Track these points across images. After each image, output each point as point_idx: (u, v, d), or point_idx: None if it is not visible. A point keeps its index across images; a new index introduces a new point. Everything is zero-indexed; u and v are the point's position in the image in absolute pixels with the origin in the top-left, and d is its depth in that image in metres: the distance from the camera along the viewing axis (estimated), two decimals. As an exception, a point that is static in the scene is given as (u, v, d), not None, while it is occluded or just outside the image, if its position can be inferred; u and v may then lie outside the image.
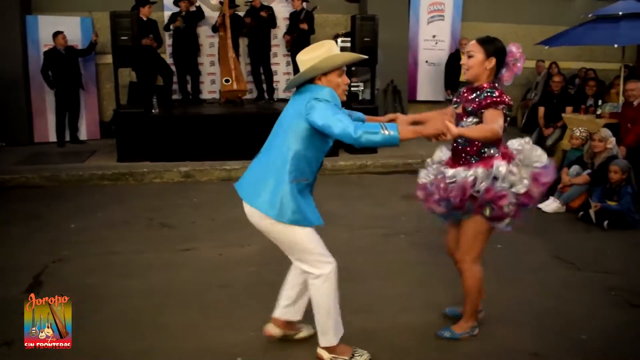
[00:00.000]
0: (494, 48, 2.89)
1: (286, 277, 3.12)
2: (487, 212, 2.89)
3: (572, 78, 10.43)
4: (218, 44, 9.09)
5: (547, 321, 3.42)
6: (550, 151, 7.72)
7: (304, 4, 9.16)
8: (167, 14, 9.09)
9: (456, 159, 3.01)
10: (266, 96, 9.48)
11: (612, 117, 7.00)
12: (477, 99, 2.89)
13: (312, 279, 2.84)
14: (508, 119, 2.88)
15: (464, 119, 2.95)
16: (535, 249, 4.67)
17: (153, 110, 7.62)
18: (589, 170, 5.83)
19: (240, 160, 7.47)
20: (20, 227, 5.18)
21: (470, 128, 2.81)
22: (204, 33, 9.52)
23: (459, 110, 3.03)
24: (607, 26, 7.22)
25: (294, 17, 9.21)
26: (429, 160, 3.23)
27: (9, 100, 8.44)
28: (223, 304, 3.65)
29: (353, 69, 8.75)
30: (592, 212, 5.31)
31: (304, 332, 3.18)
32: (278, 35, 9.71)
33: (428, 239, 4.77)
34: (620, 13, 7.17)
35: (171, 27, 8.77)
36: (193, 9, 8.95)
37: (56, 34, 8.25)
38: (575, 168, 5.96)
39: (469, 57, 2.92)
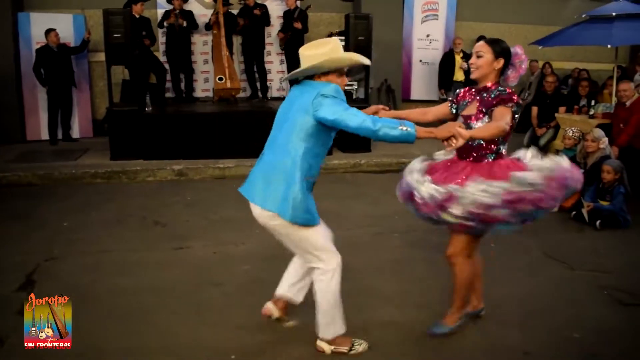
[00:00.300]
0: (501, 49, 2.97)
1: (292, 261, 3.16)
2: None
3: (566, 78, 10.47)
4: (212, 42, 9.06)
5: (539, 320, 3.44)
6: (543, 151, 7.77)
7: (298, 2, 9.16)
8: (160, 12, 9.05)
9: (466, 156, 3.02)
10: (260, 95, 9.46)
11: (605, 118, 7.04)
12: (489, 98, 2.95)
13: (318, 274, 2.87)
14: (517, 116, 2.95)
15: (482, 119, 2.96)
16: (528, 248, 4.68)
17: (146, 109, 7.60)
18: (581, 170, 5.84)
19: (233, 159, 7.47)
20: (12, 226, 5.14)
21: (478, 129, 2.84)
22: (198, 31, 9.48)
23: (466, 112, 3.05)
24: (601, 27, 7.25)
25: (288, 16, 9.20)
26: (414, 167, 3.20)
27: (0, 98, 8.37)
28: (217, 303, 3.64)
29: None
30: (584, 211, 5.34)
31: (292, 322, 3.21)
32: (272, 33, 9.69)
33: (421, 238, 4.77)
34: (614, 14, 7.20)
35: (165, 23, 8.73)
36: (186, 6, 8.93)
37: (48, 32, 8.19)
38: (568, 168, 5.97)
39: (478, 57, 2.99)
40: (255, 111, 8.23)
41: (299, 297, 3.15)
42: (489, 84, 3.02)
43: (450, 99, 3.28)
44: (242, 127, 7.67)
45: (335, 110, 2.62)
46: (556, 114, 7.77)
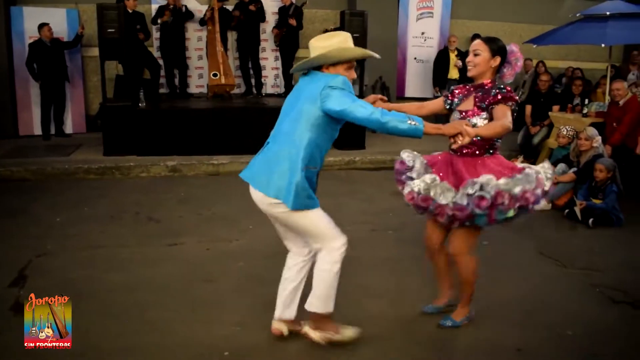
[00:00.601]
0: (497, 47, 3.03)
1: (283, 275, 3.11)
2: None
3: (559, 77, 10.50)
4: (206, 37, 9.03)
5: (532, 317, 3.46)
6: (537, 149, 7.80)
7: (293, -2, 9.14)
8: (154, 7, 9.01)
9: (465, 150, 3.05)
10: (254, 91, 9.43)
11: (598, 116, 7.07)
12: (488, 95, 3.00)
13: (324, 254, 2.87)
14: (515, 114, 3.00)
15: (479, 114, 3.01)
16: (521, 246, 4.71)
17: (140, 104, 7.56)
18: (575, 169, 5.89)
19: (227, 155, 7.45)
20: (4, 221, 5.11)
21: (484, 127, 2.89)
22: (192, 27, 9.44)
23: (463, 107, 3.10)
24: (595, 26, 7.26)
25: (283, 12, 9.17)
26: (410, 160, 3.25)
27: (-7, 93, 8.33)
28: (210, 299, 3.63)
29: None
30: (577, 210, 5.36)
31: (307, 327, 3.15)
32: (267, 29, 9.67)
33: (415, 235, 4.77)
34: (608, 13, 7.22)
35: (159, 20, 8.69)
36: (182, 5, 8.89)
37: (42, 26, 8.13)
38: (561, 166, 6.01)
39: (476, 55, 3.04)
40: (250, 107, 8.21)
41: (295, 313, 3.10)
42: (485, 82, 3.07)
43: (445, 94, 3.32)
44: (237, 124, 7.66)
45: (343, 102, 2.64)
46: (550, 113, 7.79)
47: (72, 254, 4.37)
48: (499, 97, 2.96)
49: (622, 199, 5.48)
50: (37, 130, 8.67)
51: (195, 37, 9.61)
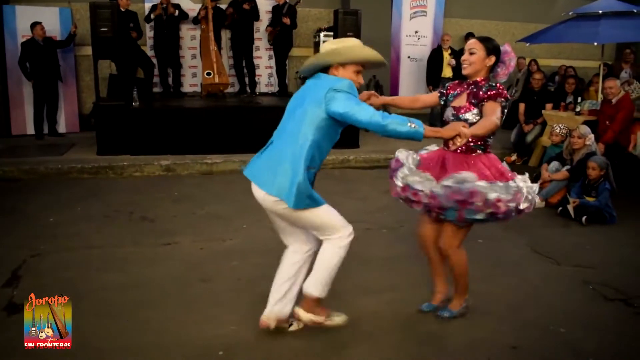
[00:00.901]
0: (492, 46, 3.12)
1: (278, 272, 3.11)
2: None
3: (552, 75, 10.54)
4: (200, 36, 9.02)
5: (526, 315, 3.47)
6: (530, 147, 7.83)
7: (287, -3, 9.13)
8: (147, 6, 8.99)
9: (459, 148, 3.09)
10: (248, 90, 9.43)
11: (591, 114, 7.10)
12: (479, 92, 3.07)
13: (332, 239, 2.91)
14: (505, 111, 3.09)
15: (471, 110, 3.08)
16: (515, 244, 4.72)
17: (133, 103, 7.54)
18: (568, 167, 5.91)
19: (221, 154, 7.44)
20: (-3, 221, 5.10)
21: (476, 127, 2.94)
22: (186, 26, 9.43)
23: (456, 103, 3.18)
24: (587, 24, 7.29)
25: (277, 11, 9.17)
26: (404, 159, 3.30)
27: (-15, 92, 8.29)
28: (204, 299, 3.62)
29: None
30: (570, 207, 5.39)
31: (294, 326, 3.17)
32: (260, 28, 9.66)
33: (410, 233, 4.78)
34: (601, 12, 7.25)
35: (152, 15, 8.66)
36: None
37: (34, 25, 8.10)
38: (554, 164, 6.03)
39: (471, 54, 3.11)
40: (244, 106, 8.20)
41: (287, 307, 3.09)
42: (479, 79, 3.14)
43: (440, 90, 3.39)
44: (230, 123, 7.65)
45: (347, 105, 2.70)
46: (543, 111, 7.83)
47: (66, 254, 4.35)
48: (490, 93, 3.05)
49: (615, 197, 5.50)
50: (30, 129, 8.64)
51: (189, 36, 9.59)
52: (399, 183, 3.19)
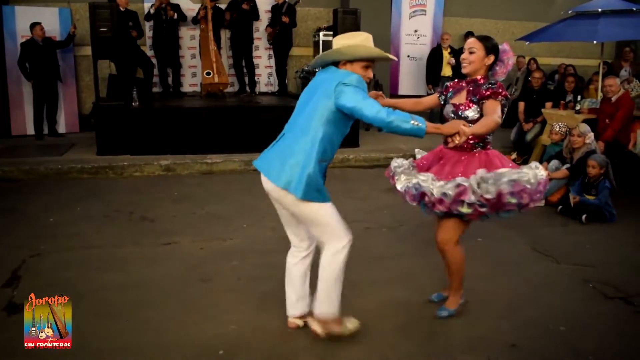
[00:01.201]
0: (492, 45, 3.16)
1: (288, 275, 3.15)
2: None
3: (552, 74, 10.53)
4: (199, 36, 9.01)
5: (525, 313, 3.47)
6: (530, 146, 7.82)
7: (286, -4, 9.13)
8: (147, 5, 8.98)
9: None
10: (248, 89, 9.43)
11: (591, 113, 7.09)
12: (479, 89, 3.10)
13: (328, 249, 2.93)
14: (505, 109, 3.11)
15: (471, 107, 3.13)
16: (515, 242, 4.72)
17: (133, 103, 7.54)
18: (567, 165, 5.91)
19: (221, 154, 7.44)
20: (-3, 221, 5.10)
21: (477, 126, 2.96)
22: (185, 25, 9.42)
23: (456, 100, 3.22)
24: (587, 23, 7.29)
25: (276, 10, 9.17)
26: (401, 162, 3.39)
27: (-15, 93, 8.29)
28: (204, 298, 3.63)
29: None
30: (571, 199, 5.40)
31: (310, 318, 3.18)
32: (260, 28, 9.65)
33: (410, 232, 4.80)
34: (600, 10, 7.24)
35: (151, 10, 8.61)
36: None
37: (34, 25, 8.10)
38: (554, 163, 6.03)
39: (471, 52, 3.15)
40: (243, 106, 8.20)
41: (307, 304, 3.14)
42: (478, 78, 3.18)
43: (440, 90, 3.44)
44: (230, 122, 7.65)
45: (355, 99, 2.74)
46: (543, 110, 7.82)
47: (65, 254, 4.35)
48: (490, 92, 3.08)
49: (614, 195, 5.50)
50: (30, 130, 8.64)
51: (189, 36, 9.59)
52: (393, 172, 3.28)
